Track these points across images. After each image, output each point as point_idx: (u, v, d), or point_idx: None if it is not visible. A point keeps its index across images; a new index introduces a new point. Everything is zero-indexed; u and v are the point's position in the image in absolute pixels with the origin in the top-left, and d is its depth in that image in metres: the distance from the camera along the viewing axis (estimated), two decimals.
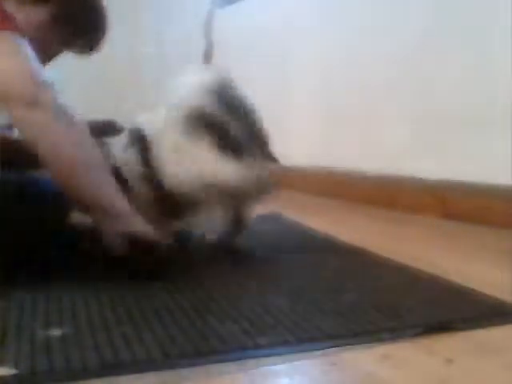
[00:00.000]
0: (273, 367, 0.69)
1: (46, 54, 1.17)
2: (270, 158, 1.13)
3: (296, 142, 2.47)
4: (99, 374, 0.66)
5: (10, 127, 1.25)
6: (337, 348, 0.74)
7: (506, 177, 1.54)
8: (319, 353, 0.73)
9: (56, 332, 0.77)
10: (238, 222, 1.23)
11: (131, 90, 3.36)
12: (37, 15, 1.15)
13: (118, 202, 1.02)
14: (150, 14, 3.82)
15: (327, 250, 1.32)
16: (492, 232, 1.52)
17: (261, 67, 2.75)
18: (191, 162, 1.07)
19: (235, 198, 1.13)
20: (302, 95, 2.55)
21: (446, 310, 0.88)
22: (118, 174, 1.10)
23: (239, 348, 0.73)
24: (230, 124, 1.05)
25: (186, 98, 1.11)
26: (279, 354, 0.72)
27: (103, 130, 1.29)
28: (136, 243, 1.00)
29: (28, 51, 1.00)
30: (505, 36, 1.57)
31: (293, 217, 1.68)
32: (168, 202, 1.13)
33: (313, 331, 0.79)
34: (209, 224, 1.23)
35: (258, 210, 1.31)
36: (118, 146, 1.21)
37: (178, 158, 1.09)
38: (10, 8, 1.06)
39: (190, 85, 1.13)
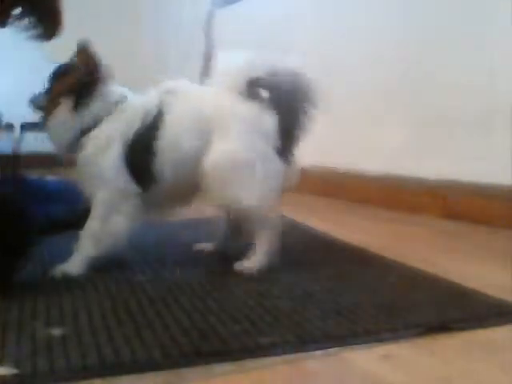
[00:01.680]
0: (273, 367, 0.70)
1: None
2: None
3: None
4: (100, 374, 0.66)
5: None
6: (337, 348, 0.74)
7: (506, 177, 1.54)
8: (319, 353, 0.73)
9: (57, 331, 0.77)
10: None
11: (131, 90, 3.35)
12: None
13: None
14: (150, 14, 3.82)
15: (327, 250, 1.32)
16: (492, 232, 1.52)
17: None
18: None
19: None
20: None
21: (446, 310, 0.88)
22: None
23: (239, 348, 0.73)
24: None
25: None
26: (279, 354, 0.72)
27: None
28: None
29: None
30: (505, 35, 1.57)
31: (293, 217, 1.68)
32: None
33: (313, 331, 0.79)
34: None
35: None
36: None
37: None
38: None
39: None
